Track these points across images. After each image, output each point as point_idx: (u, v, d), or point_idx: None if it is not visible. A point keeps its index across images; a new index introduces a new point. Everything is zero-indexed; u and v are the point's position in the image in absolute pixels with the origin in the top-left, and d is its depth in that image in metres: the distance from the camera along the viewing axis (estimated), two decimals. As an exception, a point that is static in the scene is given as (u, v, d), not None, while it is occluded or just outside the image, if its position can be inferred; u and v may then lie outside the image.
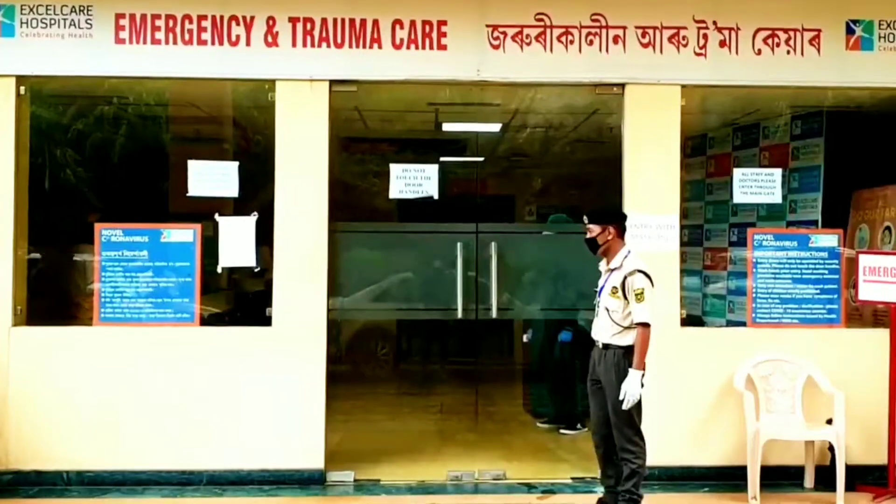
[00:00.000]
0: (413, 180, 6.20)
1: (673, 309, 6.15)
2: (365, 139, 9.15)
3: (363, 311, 6.46)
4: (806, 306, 6.35)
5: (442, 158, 7.85)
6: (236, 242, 6.12)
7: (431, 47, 6.14)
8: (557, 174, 11.91)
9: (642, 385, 5.02)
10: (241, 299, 7.72)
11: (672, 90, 6.25)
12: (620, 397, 5.01)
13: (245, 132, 8.30)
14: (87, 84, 6.56)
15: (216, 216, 6.12)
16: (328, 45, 6.11)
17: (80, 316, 6.49)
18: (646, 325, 5.04)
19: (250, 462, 6.03)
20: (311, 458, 6.05)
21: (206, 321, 6.28)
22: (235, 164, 6.21)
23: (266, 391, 6.06)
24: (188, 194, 6.10)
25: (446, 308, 6.25)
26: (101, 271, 6.10)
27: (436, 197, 6.20)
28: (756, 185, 6.43)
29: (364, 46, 6.13)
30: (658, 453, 5.68)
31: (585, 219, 5.26)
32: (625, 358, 5.08)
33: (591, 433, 5.38)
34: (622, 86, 6.26)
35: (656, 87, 6.22)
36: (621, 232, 5.25)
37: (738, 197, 6.44)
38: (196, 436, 6.01)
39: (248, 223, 6.14)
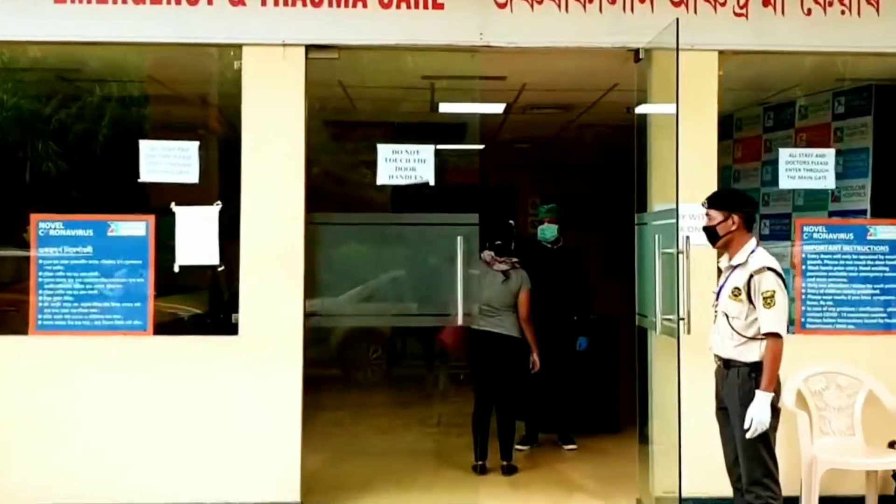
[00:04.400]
0: (405, 163, 5.29)
1: (704, 307, 5.21)
2: (352, 123, 8.21)
3: (346, 317, 5.50)
4: (864, 309, 5.44)
5: (439, 146, 6.90)
6: (196, 236, 5.20)
7: (426, 5, 5.22)
8: (565, 162, 10.99)
9: (774, 410, 4.15)
10: (223, 299, 6.78)
11: (708, 57, 5.34)
12: (746, 426, 4.12)
13: (220, 112, 7.33)
14: (26, 53, 5.64)
15: (172, 206, 5.21)
16: (304, 4, 5.19)
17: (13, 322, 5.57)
18: (776, 336, 4.15)
19: (212, 495, 5.11)
20: (285, 490, 5.13)
21: (183, 324, 5.39)
22: (195, 143, 5.29)
23: (231, 412, 5.15)
24: (140, 180, 5.19)
25: (444, 314, 5.34)
26: (38, 270, 5.18)
27: (431, 182, 5.29)
28: (805, 168, 5.53)
29: (346, 5, 5.21)
30: (694, 482, 4.77)
31: (704, 203, 4.40)
32: (751, 377, 4.19)
33: (726, 466, 4.48)
34: (649, 52, 5.33)
35: (690, 54, 5.24)
36: (749, 222, 4.38)
37: (785, 182, 5.54)
38: (148, 465, 5.10)
39: (209, 214, 5.22)
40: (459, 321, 5.21)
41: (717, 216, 4.32)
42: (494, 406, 6.22)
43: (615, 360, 7.42)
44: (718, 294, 4.36)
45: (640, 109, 5.58)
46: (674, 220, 4.64)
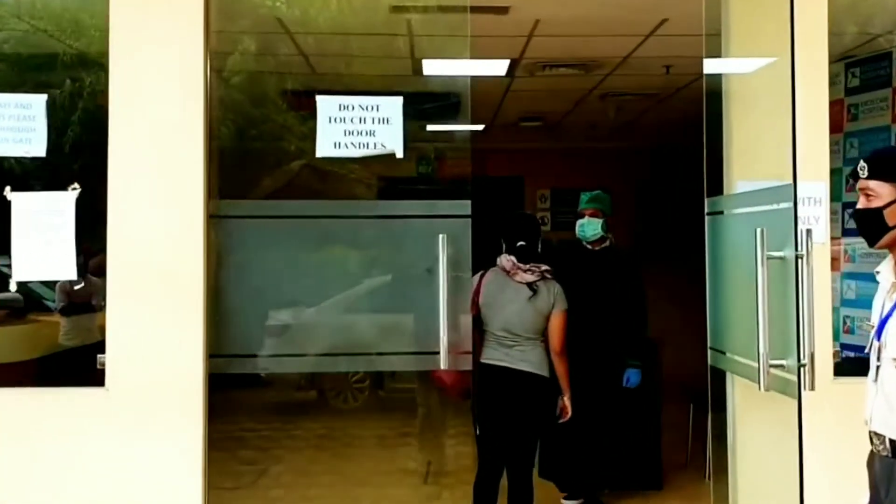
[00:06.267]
0: (357, 125, 3.49)
1: (823, 346, 3.40)
2: (313, 92, 6.34)
3: (275, 359, 3.59)
4: None
5: (430, 127, 5.10)
6: (42, 237, 3.41)
7: None
8: (582, 146, 9.20)
9: None
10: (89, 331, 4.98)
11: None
12: None
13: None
14: None
15: (6, 192, 3.43)
16: None
17: None
18: None
19: None
20: None
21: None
22: (41, 98, 3.50)
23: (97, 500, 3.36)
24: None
25: (420, 352, 3.51)
26: None
27: (399, 154, 3.51)
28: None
29: None
30: None
31: (861, 170, 2.50)
32: None
33: None
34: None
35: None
36: None
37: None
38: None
39: (61, 204, 3.43)
40: (444, 363, 3.39)
41: (888, 192, 2.49)
42: (507, 468, 4.46)
43: (657, 395, 5.67)
44: (880, 330, 2.53)
45: (712, 66, 3.80)
46: (788, 205, 2.84)
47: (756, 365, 3.02)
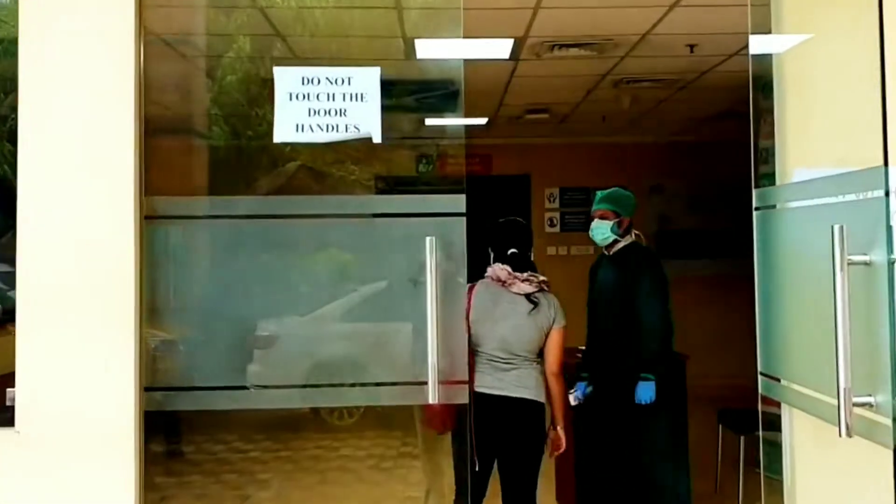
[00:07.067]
0: (325, 102, 2.84)
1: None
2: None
3: (226, 393, 2.90)
4: None
5: (429, 122, 4.46)
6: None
7: None
8: (594, 141, 8.55)
9: None
10: None
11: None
12: None
13: None
14: None
15: None
16: None
17: None
18: None
19: None
20: None
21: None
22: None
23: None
24: None
25: (407, 382, 2.85)
26: None
27: (376, 138, 2.86)
28: None
29: None
30: None
31: None
32: None
33: None
34: None
35: None
36: None
37: None
38: None
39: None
40: (432, 396, 2.73)
41: None
42: (508, 499, 3.99)
43: (681, 418, 5.02)
44: None
45: (757, 45, 3.13)
46: (878, 194, 2.17)
47: (829, 399, 2.37)
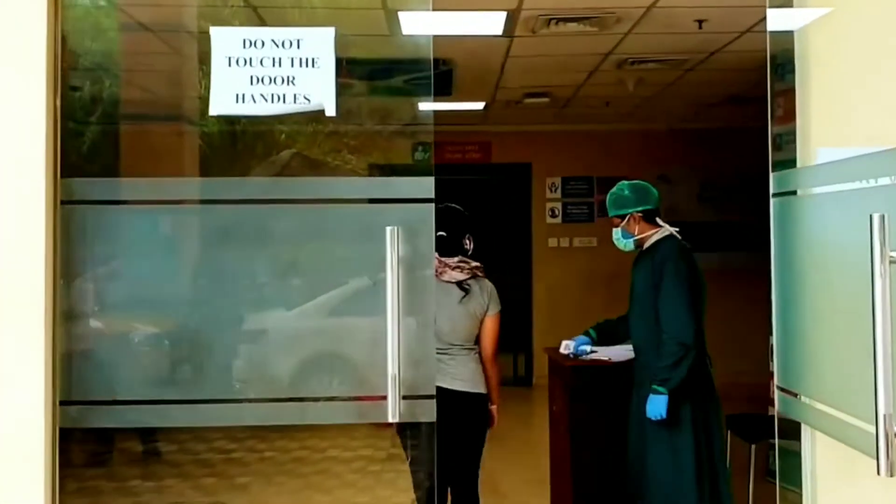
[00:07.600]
0: (270, 69, 2.43)
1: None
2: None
3: (153, 407, 2.50)
4: None
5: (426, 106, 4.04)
6: None
7: None
8: (597, 129, 8.14)
9: None
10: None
11: None
12: None
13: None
14: None
15: None
16: None
17: None
18: None
19: None
20: None
21: None
22: None
23: None
24: None
25: (365, 397, 2.44)
26: None
27: (330, 111, 2.46)
28: None
29: None
30: None
31: None
32: None
33: None
34: None
35: None
36: None
37: None
38: None
39: None
40: (392, 413, 2.32)
41: None
42: (451, 488, 4.13)
43: (707, 436, 4.58)
44: None
45: (776, 19, 2.72)
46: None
47: (861, 425, 1.96)
